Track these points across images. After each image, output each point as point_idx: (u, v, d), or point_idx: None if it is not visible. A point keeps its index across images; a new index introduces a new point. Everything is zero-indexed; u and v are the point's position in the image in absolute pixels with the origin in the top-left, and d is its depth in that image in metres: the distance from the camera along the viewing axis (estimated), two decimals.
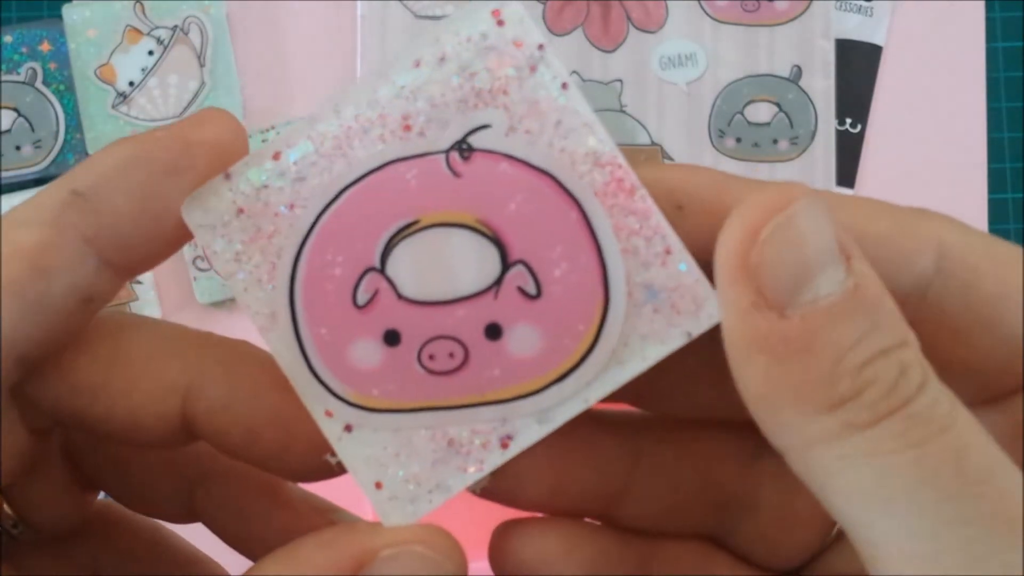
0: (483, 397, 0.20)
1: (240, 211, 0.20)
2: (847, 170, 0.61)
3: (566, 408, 0.20)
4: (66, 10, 0.59)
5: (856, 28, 0.61)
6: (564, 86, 0.20)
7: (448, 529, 0.22)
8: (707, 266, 0.19)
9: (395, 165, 0.20)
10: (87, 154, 0.59)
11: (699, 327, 0.20)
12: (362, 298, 0.20)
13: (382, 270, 0.20)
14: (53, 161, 0.59)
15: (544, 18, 0.60)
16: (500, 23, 0.20)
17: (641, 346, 0.20)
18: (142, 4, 0.59)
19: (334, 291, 0.20)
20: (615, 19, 0.60)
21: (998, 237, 0.21)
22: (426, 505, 0.21)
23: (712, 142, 0.60)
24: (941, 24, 0.61)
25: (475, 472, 0.20)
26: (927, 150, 0.61)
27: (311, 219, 0.20)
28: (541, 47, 0.20)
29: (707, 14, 0.60)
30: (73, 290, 0.20)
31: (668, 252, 0.20)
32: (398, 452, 0.20)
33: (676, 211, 0.20)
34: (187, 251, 0.59)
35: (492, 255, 0.20)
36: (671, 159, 0.60)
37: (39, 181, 0.59)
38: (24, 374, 0.21)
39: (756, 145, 0.60)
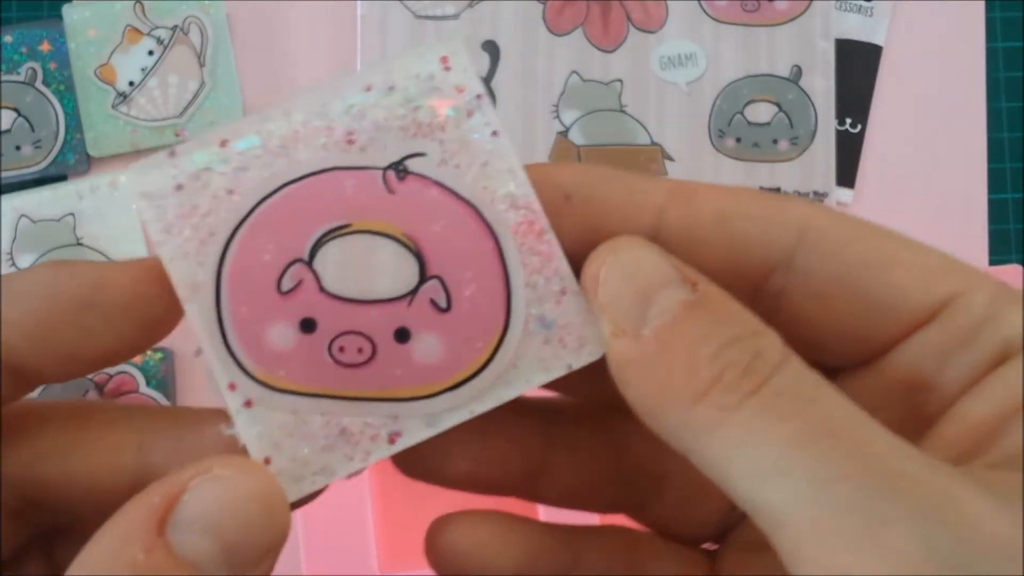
0: (381, 393, 0.22)
1: (179, 187, 0.22)
2: (847, 170, 0.61)
3: (453, 416, 0.22)
4: (66, 10, 0.59)
5: (856, 28, 0.61)
6: (494, 134, 0.22)
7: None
8: (589, 249, 0.22)
9: (335, 172, 0.22)
10: (87, 154, 0.59)
11: (580, 361, 0.22)
12: (286, 285, 0.22)
13: (309, 263, 0.22)
14: (53, 161, 0.59)
15: (544, 18, 0.60)
16: (447, 68, 0.22)
17: (528, 370, 0.22)
18: (142, 4, 0.59)
19: (260, 275, 0.22)
20: (615, 19, 0.60)
21: (856, 216, 0.23)
22: (309, 485, 0.22)
23: (712, 142, 0.60)
24: (941, 24, 0.61)
25: (359, 461, 0.22)
26: (927, 150, 0.61)
27: (249, 206, 0.22)
28: (480, 96, 0.22)
29: (707, 14, 0.60)
30: None
31: (563, 293, 0.22)
32: (292, 433, 0.22)
33: (565, 200, 0.23)
34: None
35: (412, 267, 0.22)
36: (671, 159, 0.60)
37: (39, 181, 0.59)
38: None
39: (756, 145, 0.60)
